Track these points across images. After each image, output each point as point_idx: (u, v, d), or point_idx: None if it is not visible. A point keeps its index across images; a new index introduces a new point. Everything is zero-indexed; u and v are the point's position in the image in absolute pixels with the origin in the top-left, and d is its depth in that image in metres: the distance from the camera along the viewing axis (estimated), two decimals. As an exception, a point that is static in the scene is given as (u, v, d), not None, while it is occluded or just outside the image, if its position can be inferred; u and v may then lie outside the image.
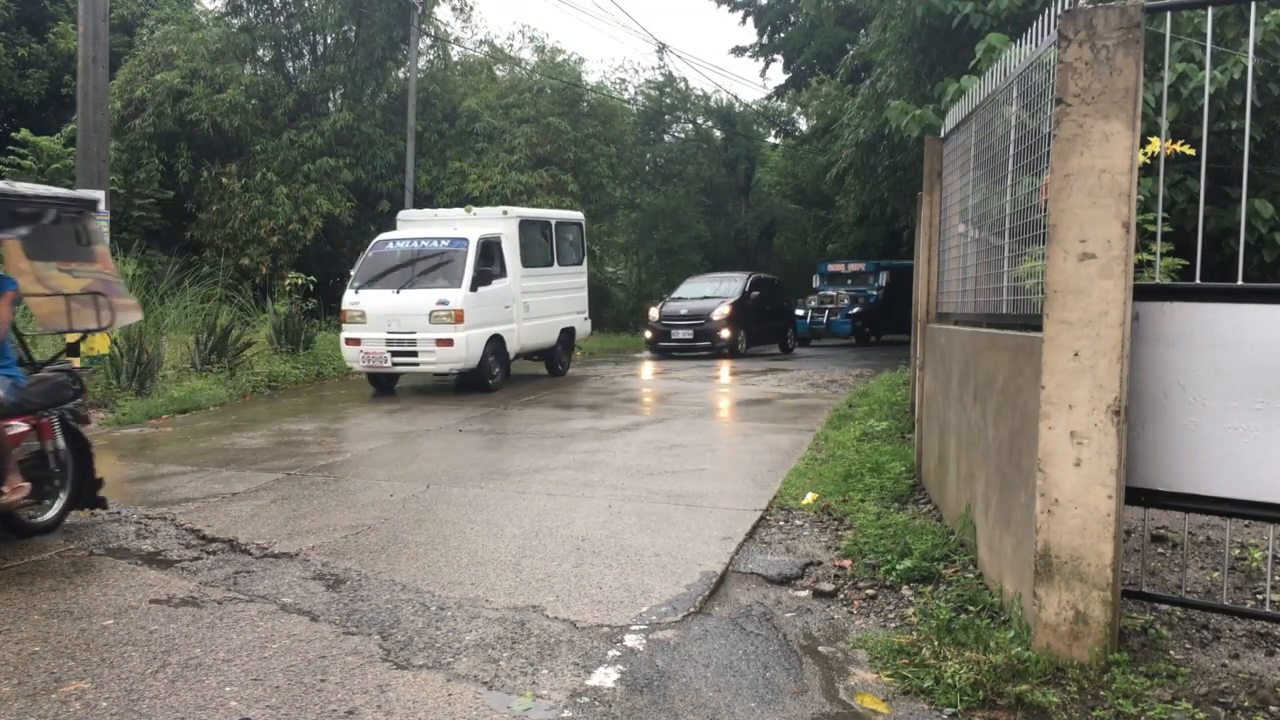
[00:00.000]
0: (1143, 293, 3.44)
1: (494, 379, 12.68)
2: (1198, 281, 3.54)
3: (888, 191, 16.76)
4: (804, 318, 22.99)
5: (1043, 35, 3.86)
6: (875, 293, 23.57)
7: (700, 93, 33.38)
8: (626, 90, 31.62)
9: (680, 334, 19.05)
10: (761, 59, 30.10)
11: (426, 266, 12.43)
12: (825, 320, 23.01)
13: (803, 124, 33.26)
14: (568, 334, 15.02)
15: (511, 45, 27.76)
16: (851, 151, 16.11)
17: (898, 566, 4.72)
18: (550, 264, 14.59)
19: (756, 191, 34.72)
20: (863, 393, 11.80)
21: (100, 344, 11.48)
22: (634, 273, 31.65)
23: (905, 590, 4.53)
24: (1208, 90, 4.20)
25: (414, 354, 12.00)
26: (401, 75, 23.78)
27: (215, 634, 3.99)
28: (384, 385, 12.81)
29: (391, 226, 15.02)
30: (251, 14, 22.98)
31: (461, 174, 22.48)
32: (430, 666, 3.65)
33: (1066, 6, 3.43)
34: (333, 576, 4.77)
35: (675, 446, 8.61)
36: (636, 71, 56.58)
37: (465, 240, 12.51)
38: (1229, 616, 3.88)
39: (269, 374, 13.41)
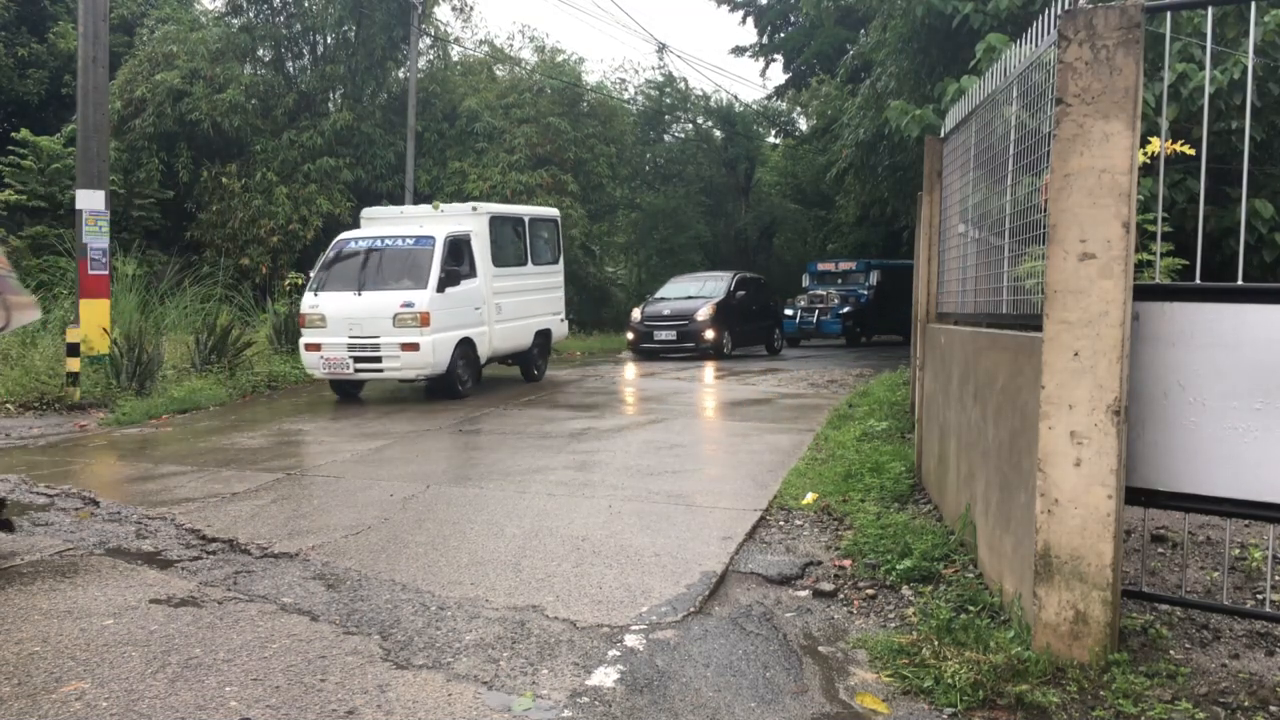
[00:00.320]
0: (1143, 293, 3.44)
1: (464, 385, 12.03)
2: (1198, 281, 3.54)
3: (888, 191, 16.76)
4: (793, 318, 22.63)
5: (1043, 35, 3.86)
6: (866, 292, 23.23)
7: (700, 93, 33.45)
8: (626, 90, 31.68)
9: (663, 335, 18.64)
10: (761, 59, 30.17)
11: (391, 266, 11.75)
12: (815, 320, 22.67)
13: (803, 124, 33.29)
14: (543, 337, 14.36)
15: (511, 45, 27.81)
16: (851, 151, 16.12)
17: (898, 566, 4.72)
18: (524, 263, 13.87)
19: (756, 191, 34.72)
20: (863, 393, 11.79)
21: (100, 344, 11.51)
22: (634, 273, 31.65)
23: (905, 590, 4.53)
24: (1208, 90, 4.20)
25: (377, 359, 11.27)
26: (401, 75, 23.79)
27: (215, 634, 3.99)
28: (347, 393, 12.16)
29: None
30: (251, 14, 22.99)
31: (461, 174, 22.50)
32: (430, 666, 3.65)
33: (1066, 6, 3.43)
34: (333, 576, 4.77)
35: (675, 446, 8.61)
36: (636, 71, 56.68)
37: (431, 238, 11.82)
38: (1229, 616, 3.88)
39: (269, 374, 13.42)
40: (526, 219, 14.14)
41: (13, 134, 19.25)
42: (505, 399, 12.13)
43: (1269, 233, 8.39)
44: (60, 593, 4.53)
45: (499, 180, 22.07)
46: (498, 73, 26.19)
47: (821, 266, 24.73)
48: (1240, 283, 3.39)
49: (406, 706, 3.31)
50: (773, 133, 36.08)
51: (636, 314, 19.65)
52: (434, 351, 11.26)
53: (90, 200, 11.58)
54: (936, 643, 3.67)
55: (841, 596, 4.53)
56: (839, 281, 23.80)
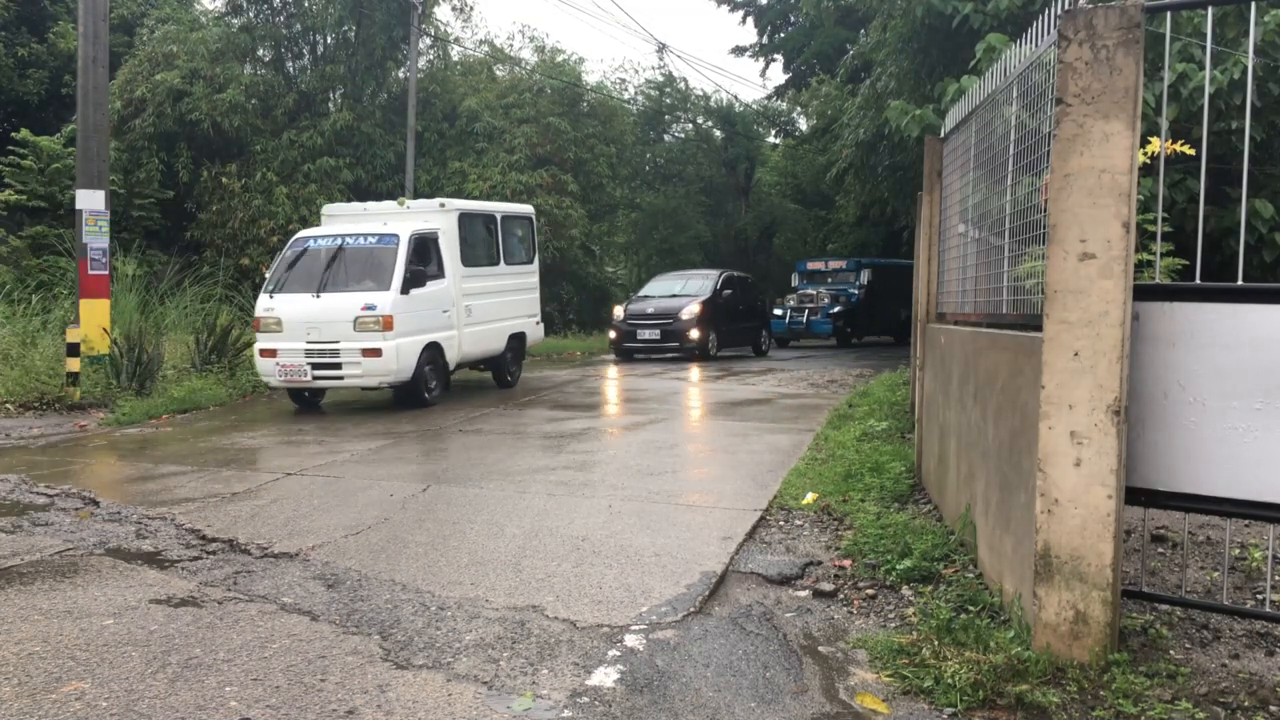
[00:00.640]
0: (1143, 293, 3.44)
1: (431, 393, 11.29)
2: (1198, 281, 3.54)
3: (888, 191, 16.77)
4: (782, 318, 22.17)
5: (1043, 35, 3.86)
6: (857, 291, 22.70)
7: (700, 93, 33.47)
8: (626, 90, 31.69)
9: (646, 334, 18.11)
10: (761, 59, 30.21)
11: (352, 267, 11.02)
12: (805, 320, 22.13)
13: (803, 124, 33.32)
14: (517, 340, 13.54)
15: (511, 45, 27.81)
16: (851, 151, 16.12)
17: (898, 566, 4.72)
18: (495, 263, 13.10)
19: (756, 191, 34.72)
20: (862, 393, 11.79)
21: (100, 344, 11.51)
22: (634, 273, 31.65)
23: (905, 590, 4.53)
24: (1208, 90, 4.20)
25: (337, 366, 10.54)
26: (401, 75, 23.79)
27: (215, 634, 3.99)
28: (307, 401, 11.46)
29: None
30: (251, 14, 23.00)
31: (461, 174, 22.50)
32: (430, 666, 3.65)
33: (1066, 6, 3.43)
34: (333, 576, 4.77)
35: (675, 446, 8.61)
36: (636, 71, 56.72)
37: (395, 236, 11.07)
38: (1229, 616, 3.88)
39: (269, 374, 13.40)
40: (499, 216, 13.44)
41: (13, 134, 19.25)
42: (505, 399, 12.13)
43: (1269, 233, 8.39)
44: (60, 593, 4.53)
45: (499, 180, 22.07)
46: (498, 73, 26.20)
47: (811, 265, 24.16)
48: (1240, 283, 3.39)
49: (406, 706, 3.31)
50: (773, 133, 36.12)
51: (619, 312, 19.05)
52: (398, 357, 10.59)
53: (90, 200, 11.58)
54: (936, 643, 3.67)
55: (841, 596, 4.53)
56: (829, 281, 23.27)
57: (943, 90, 9.97)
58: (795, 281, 23.97)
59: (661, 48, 53.22)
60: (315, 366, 10.58)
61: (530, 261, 14.29)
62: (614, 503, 6.31)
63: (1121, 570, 3.45)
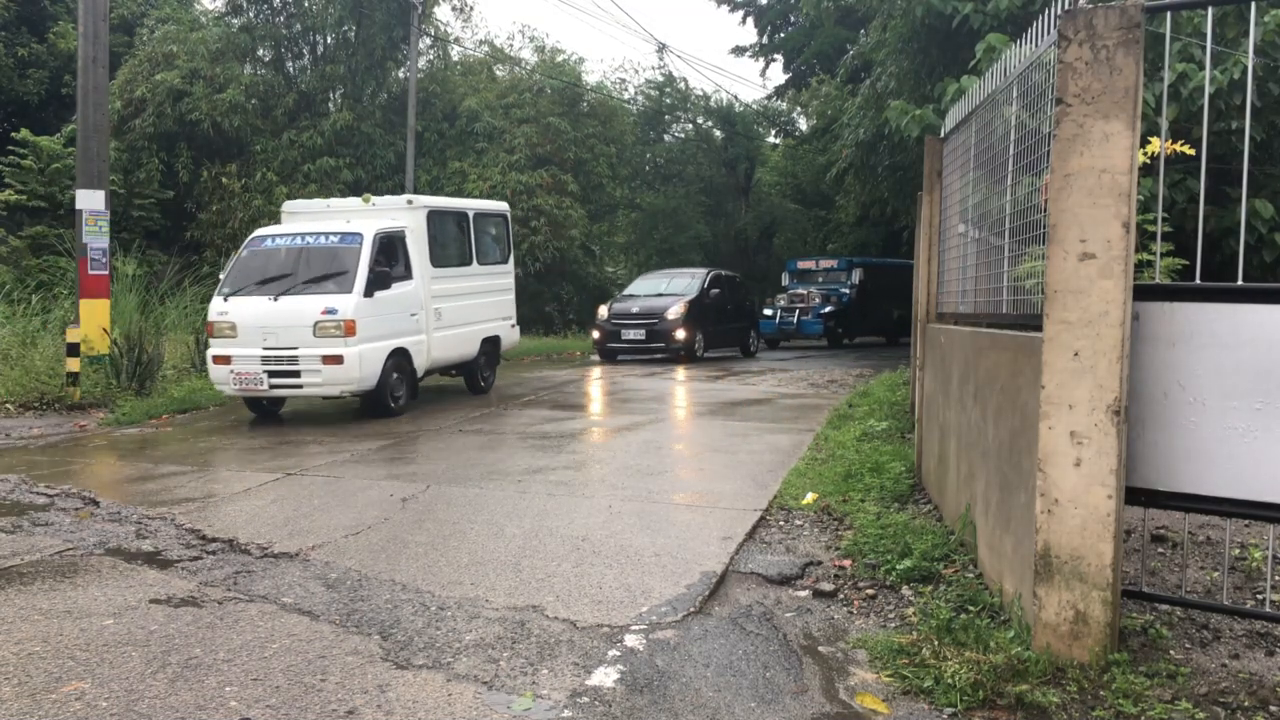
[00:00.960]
0: (1143, 293, 3.44)
1: (396, 402, 10.60)
2: (1198, 281, 3.54)
3: (888, 191, 16.76)
4: (772, 318, 21.72)
5: (1043, 35, 3.86)
6: (848, 291, 22.23)
7: (700, 93, 33.49)
8: (626, 90, 31.73)
9: (631, 334, 17.57)
10: (761, 59, 30.23)
11: (312, 268, 10.26)
12: (795, 320, 21.65)
13: (803, 124, 33.34)
14: (491, 344, 12.76)
15: (511, 45, 27.85)
16: (851, 151, 16.12)
17: (898, 566, 4.72)
18: (468, 262, 12.38)
19: (756, 191, 34.74)
20: (863, 393, 11.79)
21: (100, 344, 11.51)
22: (634, 273, 31.62)
23: (905, 590, 4.53)
24: (1208, 90, 4.20)
25: (295, 374, 9.82)
26: (401, 75, 23.82)
27: (215, 634, 3.99)
28: (265, 410, 10.77)
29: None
30: (251, 14, 23.02)
31: (462, 174, 22.52)
32: (430, 666, 3.65)
33: (1066, 6, 3.43)
34: (333, 576, 4.77)
35: (674, 446, 8.61)
36: (636, 71, 56.74)
37: (359, 235, 10.34)
38: (1229, 616, 3.88)
39: (269, 374, 13.40)
40: (471, 214, 12.65)
41: (13, 134, 19.27)
42: (505, 399, 12.13)
43: (1269, 233, 8.39)
44: (60, 593, 4.53)
45: (499, 180, 22.09)
46: (498, 73, 26.22)
47: (802, 265, 23.61)
48: (1240, 283, 3.39)
49: (406, 706, 3.31)
50: (773, 133, 36.14)
51: (603, 311, 18.43)
52: (360, 365, 9.87)
53: (90, 200, 11.58)
54: (936, 643, 3.67)
55: (841, 596, 4.53)
56: (820, 280, 22.78)
57: (943, 90, 9.97)
58: (785, 281, 23.46)
59: (661, 48, 53.30)
60: (272, 374, 9.87)
61: (505, 261, 13.61)
62: (614, 503, 6.31)
63: (1121, 570, 3.45)
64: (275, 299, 10.00)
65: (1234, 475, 3.31)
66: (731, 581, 4.74)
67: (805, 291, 22.28)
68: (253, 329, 9.93)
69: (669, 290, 18.45)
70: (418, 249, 11.17)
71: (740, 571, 4.88)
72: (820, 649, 3.89)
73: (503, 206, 14.11)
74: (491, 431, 9.52)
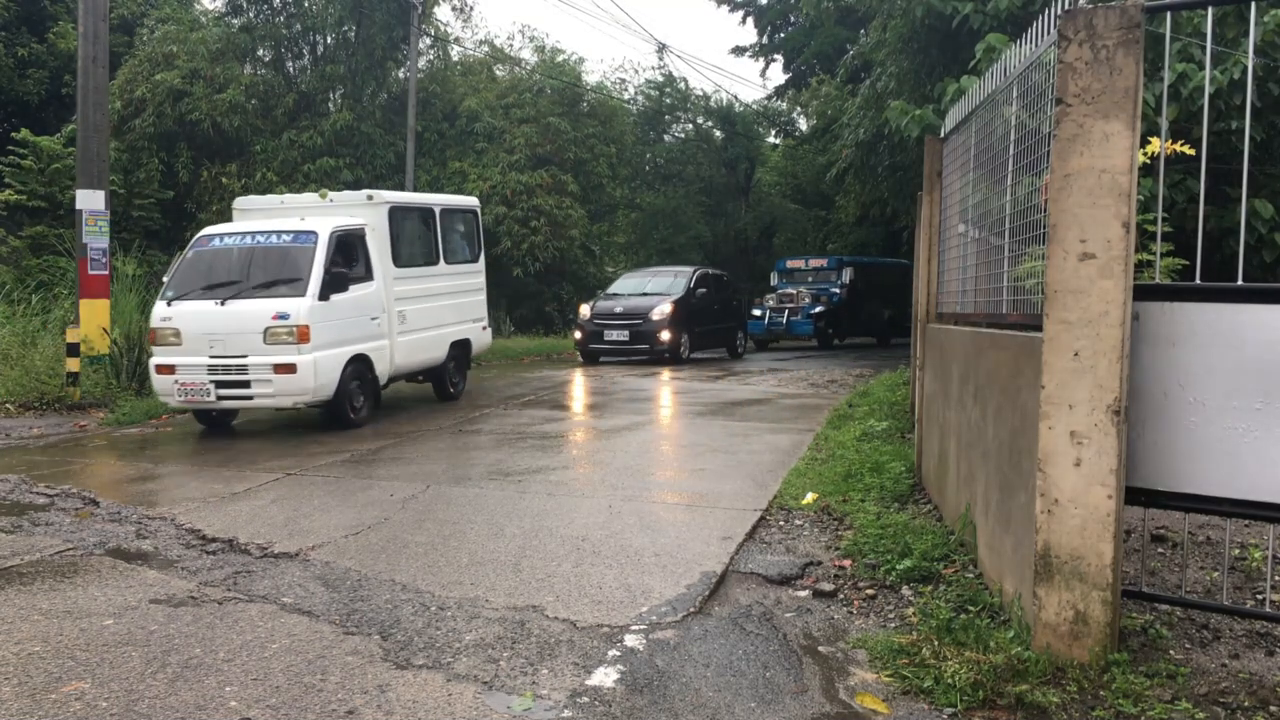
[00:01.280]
0: (1143, 293, 3.44)
1: (357, 412, 9.84)
2: (1198, 281, 3.54)
3: (888, 191, 16.75)
4: (761, 318, 21.33)
5: (1043, 35, 3.86)
6: (839, 291, 21.72)
7: (700, 93, 33.53)
8: (626, 90, 31.77)
9: (614, 335, 17.01)
10: (761, 59, 30.20)
11: (262, 269, 9.48)
12: (785, 321, 21.20)
13: (803, 124, 33.36)
14: (460, 348, 12.08)
15: (511, 45, 27.88)
16: (851, 151, 16.12)
17: (898, 566, 4.72)
18: (434, 262, 11.62)
19: (756, 191, 34.75)
20: (862, 393, 11.79)
21: (100, 344, 11.51)
22: (634, 273, 31.65)
23: (905, 590, 4.53)
24: (1208, 90, 4.20)
25: (245, 384, 9.05)
26: (401, 75, 23.83)
27: (215, 634, 3.99)
28: (216, 422, 9.99)
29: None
30: (251, 14, 23.03)
31: (462, 174, 22.53)
32: (430, 666, 3.65)
33: (1066, 6, 3.43)
34: (333, 576, 4.77)
35: (674, 446, 8.61)
36: (636, 71, 56.84)
37: (313, 234, 9.55)
38: (1229, 616, 3.88)
39: (269, 374, 13.38)
40: (437, 210, 11.85)
41: (13, 134, 19.28)
42: (505, 400, 12.13)
43: (1269, 233, 8.38)
44: (60, 593, 4.53)
45: (499, 180, 22.09)
46: (498, 73, 26.24)
47: (791, 264, 23.03)
48: (1240, 283, 3.39)
49: (406, 706, 3.31)
50: (773, 133, 36.16)
51: (585, 310, 17.77)
52: (315, 374, 9.08)
53: (90, 200, 11.58)
54: (936, 643, 3.67)
55: (841, 596, 4.53)
56: (810, 280, 22.13)
57: (943, 90, 9.97)
58: (775, 280, 22.93)
59: (661, 48, 53.25)
60: (220, 385, 9.08)
61: (475, 260, 12.78)
62: (614, 503, 6.31)
63: (1121, 570, 3.45)
64: (223, 303, 9.26)
65: (1234, 475, 3.31)
66: (731, 581, 4.74)
67: (795, 291, 21.79)
68: (198, 336, 9.17)
69: (654, 289, 17.92)
70: (379, 248, 10.43)
71: (740, 571, 4.88)
72: (820, 649, 3.89)
73: (472, 202, 13.39)
74: (491, 432, 9.52)
